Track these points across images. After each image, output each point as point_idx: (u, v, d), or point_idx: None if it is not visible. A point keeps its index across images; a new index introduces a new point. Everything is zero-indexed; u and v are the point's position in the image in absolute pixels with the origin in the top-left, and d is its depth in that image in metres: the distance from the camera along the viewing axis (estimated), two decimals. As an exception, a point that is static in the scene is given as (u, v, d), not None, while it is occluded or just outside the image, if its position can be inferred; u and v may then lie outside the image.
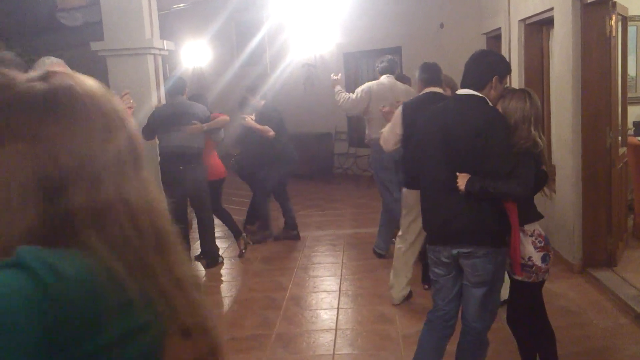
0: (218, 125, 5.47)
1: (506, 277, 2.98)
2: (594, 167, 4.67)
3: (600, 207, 4.70)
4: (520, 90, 2.96)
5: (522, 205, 2.77)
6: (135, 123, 0.89)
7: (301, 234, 6.38)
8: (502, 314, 3.17)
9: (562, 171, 4.97)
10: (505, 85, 2.92)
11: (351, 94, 5.42)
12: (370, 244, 5.70)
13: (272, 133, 5.86)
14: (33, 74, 0.82)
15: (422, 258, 4.41)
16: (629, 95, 5.97)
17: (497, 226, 2.74)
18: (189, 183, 5.20)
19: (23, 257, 0.69)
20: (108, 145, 0.80)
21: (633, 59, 6.63)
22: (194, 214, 5.64)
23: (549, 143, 5.35)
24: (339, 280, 5.04)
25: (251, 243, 6.04)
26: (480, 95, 2.78)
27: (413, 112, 3.96)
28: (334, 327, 4.09)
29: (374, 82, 5.44)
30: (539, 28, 5.91)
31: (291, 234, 6.34)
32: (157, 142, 5.40)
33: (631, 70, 6.49)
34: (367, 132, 5.50)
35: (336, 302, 4.56)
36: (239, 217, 6.51)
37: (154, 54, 5.85)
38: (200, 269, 5.46)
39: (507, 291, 3.05)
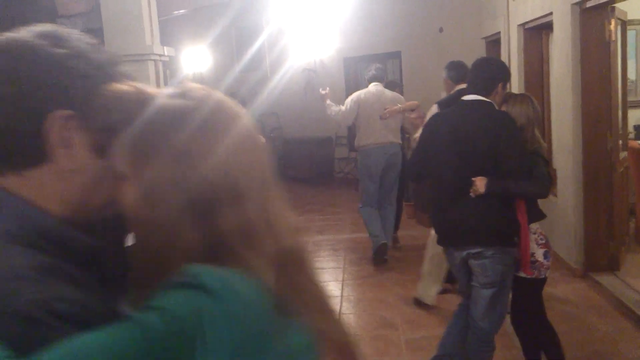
0: None
1: None
2: (594, 171, 4.67)
3: (601, 211, 4.70)
4: (522, 95, 3.18)
5: (527, 205, 2.88)
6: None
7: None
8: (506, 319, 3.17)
9: (563, 175, 4.98)
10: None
11: (341, 106, 5.53)
12: (371, 248, 5.69)
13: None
14: (169, 89, 0.82)
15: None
16: (630, 98, 5.98)
17: (505, 227, 2.83)
18: None
19: (199, 276, 0.68)
20: (253, 163, 0.79)
21: (633, 62, 6.64)
22: None
23: (550, 147, 5.36)
24: (340, 286, 5.04)
25: None
26: (489, 100, 2.90)
27: None
28: (336, 333, 4.07)
29: (362, 90, 5.59)
30: (538, 32, 5.92)
31: None
32: None
33: (631, 74, 6.50)
34: (356, 138, 5.65)
35: (338, 307, 4.56)
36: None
37: (155, 60, 5.85)
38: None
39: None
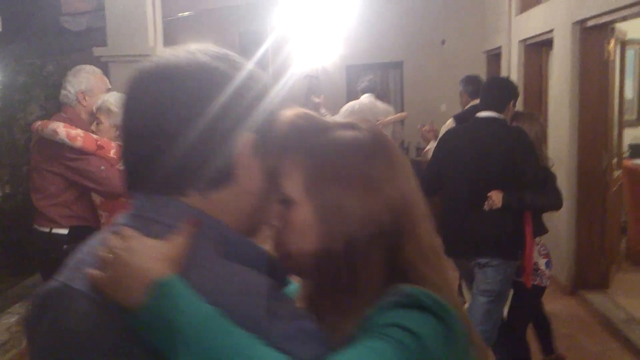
0: None
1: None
2: (589, 189, 4.69)
3: (594, 229, 4.72)
4: (530, 113, 3.45)
5: (533, 219, 3.02)
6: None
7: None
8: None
9: (557, 192, 5.00)
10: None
11: (335, 117, 5.57)
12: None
13: None
14: (337, 121, 0.89)
15: None
16: (626, 117, 6.01)
17: (512, 239, 2.94)
18: None
19: (416, 297, 0.75)
20: (417, 187, 0.87)
21: (630, 81, 6.67)
22: None
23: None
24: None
25: None
26: (503, 117, 3.05)
27: None
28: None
29: (356, 102, 5.68)
30: (538, 49, 5.96)
31: None
32: None
33: (628, 93, 6.53)
34: None
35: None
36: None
37: (157, 61, 5.88)
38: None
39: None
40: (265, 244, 0.85)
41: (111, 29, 5.69)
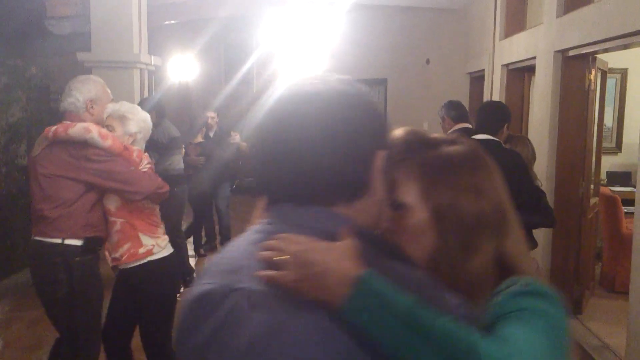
0: None
1: None
2: (565, 216, 4.74)
3: (569, 255, 4.77)
4: (520, 136, 3.69)
5: (526, 234, 3.06)
6: None
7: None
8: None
9: (534, 216, 5.05)
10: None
11: None
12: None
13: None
14: (441, 137, 1.04)
15: None
16: (604, 145, 6.11)
17: None
18: None
19: (533, 285, 0.92)
20: (508, 194, 1.02)
21: (610, 109, 6.80)
22: None
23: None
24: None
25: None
26: (497, 139, 3.23)
27: None
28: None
29: None
30: (521, 73, 6.05)
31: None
32: None
33: (608, 121, 6.65)
34: None
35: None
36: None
37: (141, 69, 5.85)
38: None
39: None
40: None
41: (96, 34, 5.64)
